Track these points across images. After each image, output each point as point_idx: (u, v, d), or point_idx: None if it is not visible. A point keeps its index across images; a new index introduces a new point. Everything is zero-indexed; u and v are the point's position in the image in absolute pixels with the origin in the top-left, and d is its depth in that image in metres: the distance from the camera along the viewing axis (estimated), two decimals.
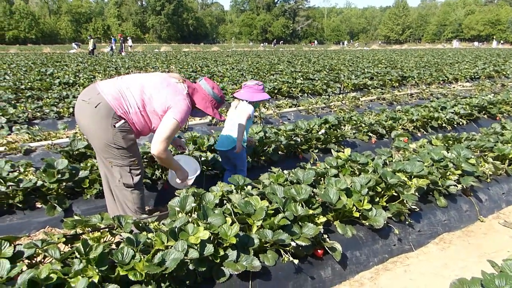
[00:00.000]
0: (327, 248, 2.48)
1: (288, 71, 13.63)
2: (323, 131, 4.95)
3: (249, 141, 3.96)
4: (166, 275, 1.92)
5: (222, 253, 2.13)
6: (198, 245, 2.02)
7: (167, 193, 3.52)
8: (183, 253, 1.92)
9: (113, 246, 2.16)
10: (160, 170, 3.84)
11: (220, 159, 3.99)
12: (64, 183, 3.39)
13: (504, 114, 7.18)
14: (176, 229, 2.12)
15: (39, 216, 3.25)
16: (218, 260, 2.10)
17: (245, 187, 2.83)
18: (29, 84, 9.55)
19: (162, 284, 1.92)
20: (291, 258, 2.28)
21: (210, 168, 4.03)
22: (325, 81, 10.85)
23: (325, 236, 2.55)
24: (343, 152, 3.62)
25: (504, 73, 14.65)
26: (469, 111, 6.65)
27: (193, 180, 3.19)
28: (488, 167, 3.88)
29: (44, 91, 9.11)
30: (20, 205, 3.23)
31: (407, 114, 6.21)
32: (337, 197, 2.68)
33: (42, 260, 2.05)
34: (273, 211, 2.46)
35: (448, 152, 3.87)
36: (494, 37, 70.01)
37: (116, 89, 2.71)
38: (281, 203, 2.50)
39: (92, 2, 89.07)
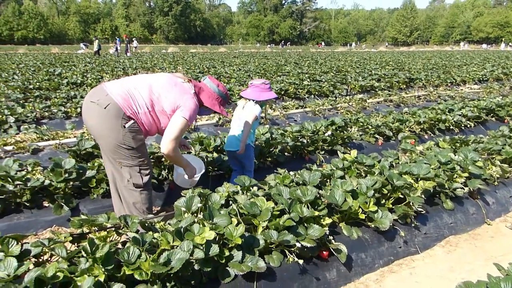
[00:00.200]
0: (332, 250, 2.47)
1: (295, 73, 13.59)
2: (329, 132, 4.94)
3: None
4: (172, 275, 1.92)
5: (227, 253, 2.14)
6: (204, 245, 2.02)
7: (174, 193, 3.54)
8: (189, 253, 1.93)
9: (119, 246, 2.17)
10: (166, 171, 3.86)
11: (227, 160, 4.00)
12: (71, 183, 3.42)
13: None
14: (182, 229, 2.13)
15: (46, 215, 3.27)
16: (224, 261, 2.11)
17: (251, 188, 2.84)
18: (38, 84, 9.64)
19: (168, 284, 1.92)
20: (296, 259, 2.28)
21: (216, 169, 4.04)
22: (332, 83, 10.82)
23: (331, 237, 2.55)
24: (350, 154, 3.62)
25: None
26: (477, 114, 6.60)
27: (198, 178, 3.21)
28: (495, 170, 3.86)
29: (52, 91, 9.18)
30: (28, 204, 3.26)
31: (414, 116, 6.16)
32: (343, 199, 2.68)
33: (49, 259, 2.07)
34: (279, 212, 2.46)
35: (455, 155, 3.85)
36: (503, 40, 69.45)
37: (124, 90, 2.73)
38: (286, 204, 2.50)
39: (100, 2, 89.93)
